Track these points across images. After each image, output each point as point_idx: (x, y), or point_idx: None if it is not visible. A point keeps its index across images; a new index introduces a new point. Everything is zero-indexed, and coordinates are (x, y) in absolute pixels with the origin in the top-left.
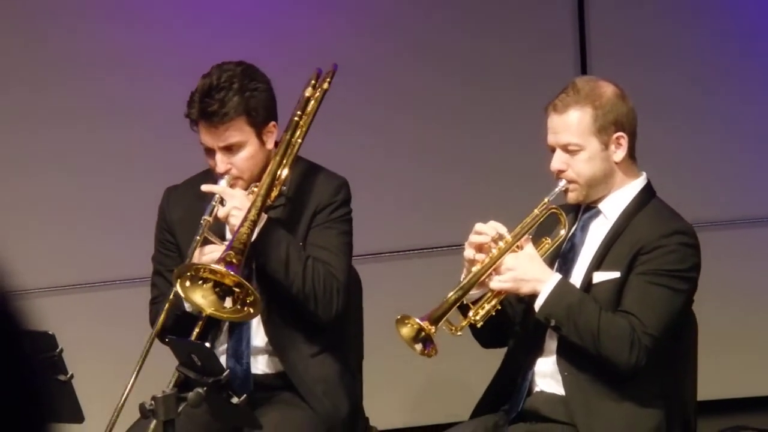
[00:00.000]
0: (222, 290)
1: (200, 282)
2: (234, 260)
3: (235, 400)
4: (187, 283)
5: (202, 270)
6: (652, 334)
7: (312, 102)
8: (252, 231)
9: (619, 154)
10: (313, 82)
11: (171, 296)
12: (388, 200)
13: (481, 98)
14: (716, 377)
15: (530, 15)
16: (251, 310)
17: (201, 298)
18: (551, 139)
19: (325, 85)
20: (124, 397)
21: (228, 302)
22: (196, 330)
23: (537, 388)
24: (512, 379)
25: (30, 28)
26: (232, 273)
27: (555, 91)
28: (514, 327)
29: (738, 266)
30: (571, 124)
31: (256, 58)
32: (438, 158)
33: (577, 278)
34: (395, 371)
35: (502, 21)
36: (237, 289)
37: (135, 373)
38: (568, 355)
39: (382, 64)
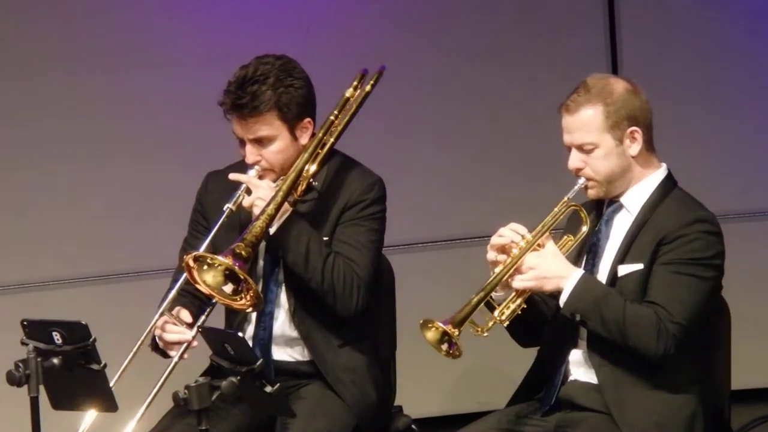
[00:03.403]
0: (231, 278)
1: (210, 268)
2: (243, 252)
3: (268, 388)
4: (202, 267)
5: (209, 259)
6: (679, 323)
7: (351, 103)
8: (268, 225)
9: (635, 148)
10: (355, 83)
11: (177, 285)
12: (422, 191)
13: (512, 87)
14: (750, 366)
15: (561, 5)
16: (248, 304)
17: (211, 279)
18: (566, 139)
19: (368, 87)
20: (158, 385)
21: (228, 288)
22: (203, 317)
23: (571, 377)
24: (547, 369)
25: (53, 17)
26: (236, 267)
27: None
28: (548, 321)
29: None
30: (583, 123)
31: (295, 53)
32: (471, 149)
33: (603, 272)
34: (430, 361)
35: (534, 10)
36: (242, 281)
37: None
38: (598, 346)
39: (416, 57)
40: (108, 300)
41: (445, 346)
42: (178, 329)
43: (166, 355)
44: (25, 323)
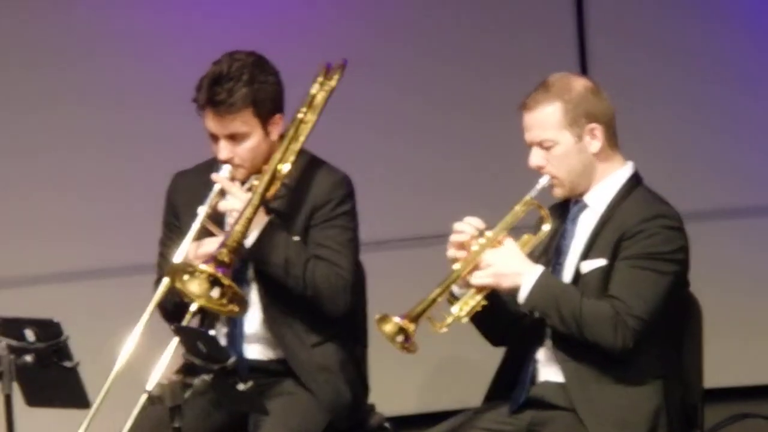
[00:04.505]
0: (215, 282)
1: (195, 273)
2: (226, 258)
3: (241, 386)
4: (184, 277)
5: (192, 269)
6: (638, 316)
7: (317, 99)
8: (247, 228)
9: (595, 145)
10: (320, 79)
11: (160, 290)
12: (391, 188)
13: (483, 84)
14: (724, 365)
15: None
16: (235, 309)
17: (196, 287)
18: (527, 136)
19: (333, 82)
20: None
21: (215, 292)
22: (188, 316)
23: (541, 378)
24: (516, 367)
25: (41, 13)
26: (220, 274)
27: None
28: (505, 319)
29: (744, 254)
30: (542, 120)
31: (265, 47)
32: (441, 146)
33: (568, 270)
34: (403, 358)
35: (504, 7)
36: (227, 287)
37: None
38: (563, 343)
39: (386, 51)
40: (82, 297)
41: (400, 339)
42: (213, 239)
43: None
44: None
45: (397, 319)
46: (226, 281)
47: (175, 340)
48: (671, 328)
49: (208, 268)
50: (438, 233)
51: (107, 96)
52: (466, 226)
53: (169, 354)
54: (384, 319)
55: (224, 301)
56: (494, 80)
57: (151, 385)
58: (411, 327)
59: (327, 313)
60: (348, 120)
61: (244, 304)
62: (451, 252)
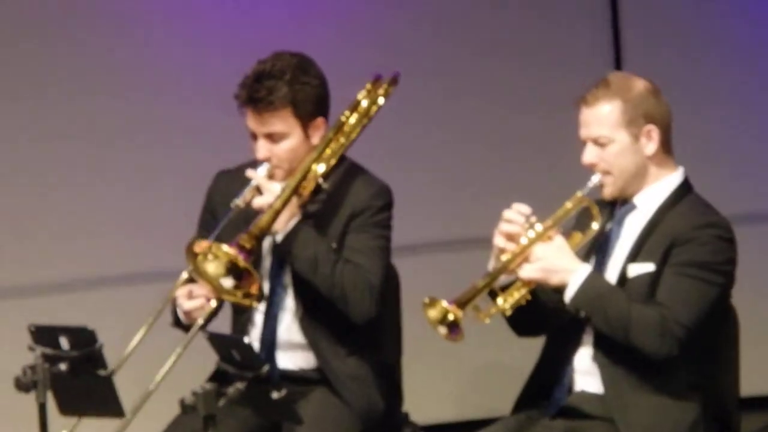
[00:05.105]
0: (235, 271)
1: (214, 258)
2: (247, 244)
3: (275, 394)
4: (206, 258)
5: (215, 249)
6: (684, 325)
7: (362, 106)
8: (273, 219)
9: (651, 147)
10: (368, 86)
11: (181, 279)
12: (427, 191)
13: (519, 86)
14: (761, 373)
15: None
16: (249, 299)
17: (213, 270)
18: (583, 132)
19: (380, 92)
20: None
21: (228, 282)
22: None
23: (577, 387)
24: (551, 373)
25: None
26: (241, 257)
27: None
28: (550, 319)
29: None
30: (600, 117)
31: (313, 48)
32: (480, 147)
33: (613, 271)
34: (437, 366)
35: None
36: (244, 274)
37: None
38: (604, 348)
39: (417, 50)
40: (116, 304)
41: (444, 330)
42: (198, 293)
43: (187, 329)
44: (32, 329)
45: (445, 303)
46: (244, 264)
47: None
48: (709, 337)
49: (230, 250)
50: (473, 237)
51: (141, 99)
52: (516, 215)
53: (174, 358)
54: (432, 302)
55: (239, 291)
56: (529, 78)
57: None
58: (459, 313)
59: (353, 317)
60: (380, 120)
61: (261, 294)
62: (500, 241)
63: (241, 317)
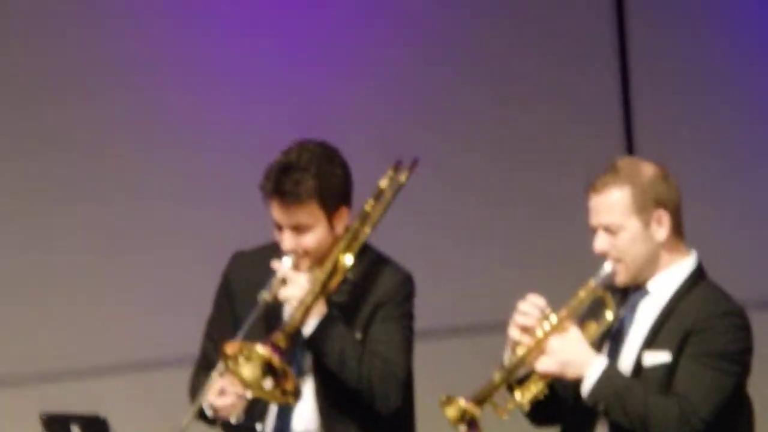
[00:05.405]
0: (269, 369)
1: (247, 359)
2: (281, 343)
3: None
4: (239, 360)
5: (248, 350)
6: (703, 418)
7: (386, 194)
8: (305, 316)
9: (662, 233)
10: (390, 173)
11: (213, 375)
12: (439, 276)
13: (526, 174)
14: None
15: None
16: (288, 397)
17: (248, 372)
18: (593, 219)
19: (402, 178)
20: None
21: (268, 383)
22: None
23: None
24: None
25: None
26: (276, 357)
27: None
28: (565, 408)
29: None
30: (610, 204)
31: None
32: (485, 235)
33: (627, 359)
34: None
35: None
36: (280, 373)
37: None
38: None
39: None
40: (127, 392)
41: (464, 428)
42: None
43: (211, 422)
44: (44, 417)
45: (463, 402)
46: (280, 364)
47: None
48: (726, 427)
49: (265, 351)
50: (486, 323)
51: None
52: (532, 308)
53: None
54: (449, 401)
55: (276, 391)
56: (537, 168)
57: None
58: (477, 411)
59: (377, 409)
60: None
61: (297, 393)
62: (515, 334)
63: (257, 403)
